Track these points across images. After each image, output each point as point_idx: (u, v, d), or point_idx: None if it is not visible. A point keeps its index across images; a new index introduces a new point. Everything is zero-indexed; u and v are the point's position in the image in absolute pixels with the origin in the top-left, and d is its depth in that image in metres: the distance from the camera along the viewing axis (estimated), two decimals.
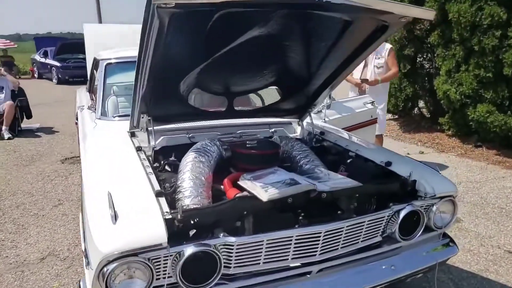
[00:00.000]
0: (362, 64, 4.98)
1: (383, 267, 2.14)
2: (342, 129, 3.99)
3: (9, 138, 7.71)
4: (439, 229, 2.34)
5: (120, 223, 1.70)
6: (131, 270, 1.65)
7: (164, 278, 1.72)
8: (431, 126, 7.83)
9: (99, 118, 3.22)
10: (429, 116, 8.26)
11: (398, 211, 2.13)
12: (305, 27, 2.35)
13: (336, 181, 2.10)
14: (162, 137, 2.86)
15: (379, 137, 5.23)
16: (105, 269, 1.60)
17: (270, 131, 3.16)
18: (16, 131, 8.14)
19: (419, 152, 6.64)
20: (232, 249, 1.79)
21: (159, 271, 1.71)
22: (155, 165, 2.55)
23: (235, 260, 1.83)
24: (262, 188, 1.92)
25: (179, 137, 2.88)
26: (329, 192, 1.96)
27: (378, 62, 5.08)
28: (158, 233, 1.66)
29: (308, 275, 1.99)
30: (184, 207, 1.93)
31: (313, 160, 2.61)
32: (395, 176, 2.36)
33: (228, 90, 2.82)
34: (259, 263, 1.88)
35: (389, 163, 2.46)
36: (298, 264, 1.96)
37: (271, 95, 3.17)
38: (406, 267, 2.19)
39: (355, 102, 4.56)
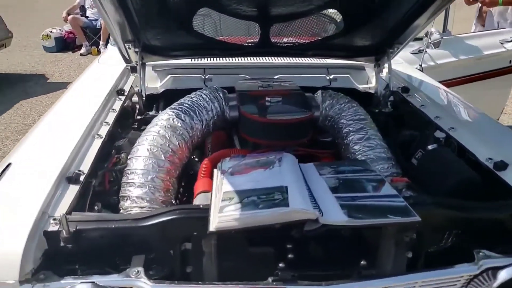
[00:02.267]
0: None
1: None
2: (458, 79, 2.78)
3: None
4: None
5: None
6: None
7: None
8: None
9: (113, 44, 2.54)
10: None
11: (494, 270, 1.10)
12: None
13: (375, 203, 1.12)
14: (169, 76, 2.11)
15: None
16: None
17: (328, 78, 2.17)
18: None
19: None
20: None
21: None
22: (140, 117, 1.83)
23: None
24: (222, 201, 1.06)
25: (191, 78, 2.09)
26: (345, 228, 1.02)
27: None
28: (8, 261, 0.96)
29: None
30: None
31: (369, 137, 1.61)
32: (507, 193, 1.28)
33: (259, 12, 1.85)
34: None
35: (503, 165, 1.35)
36: None
37: (333, 21, 2.10)
38: None
39: (486, 39, 3.10)
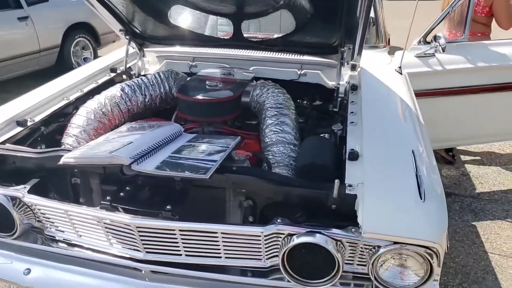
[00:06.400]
0: None
1: None
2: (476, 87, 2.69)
3: None
4: None
5: None
6: None
7: None
8: None
9: None
10: None
11: (292, 235, 1.27)
12: None
13: (189, 163, 1.37)
14: (165, 61, 2.54)
15: None
16: None
17: (298, 72, 2.35)
18: None
19: None
20: (32, 206, 1.47)
21: None
22: None
23: (47, 221, 1.51)
24: (84, 146, 1.45)
25: (181, 64, 2.49)
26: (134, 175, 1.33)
27: None
28: None
29: (143, 272, 1.47)
30: None
31: (278, 123, 1.80)
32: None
33: (228, 9, 2.15)
34: (76, 235, 1.50)
35: (354, 156, 1.45)
36: (126, 254, 1.46)
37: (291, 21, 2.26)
38: None
39: None
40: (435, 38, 2.63)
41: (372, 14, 2.77)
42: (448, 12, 2.66)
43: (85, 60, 6.28)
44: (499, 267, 2.47)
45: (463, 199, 3.13)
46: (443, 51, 2.60)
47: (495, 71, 2.76)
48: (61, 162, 1.37)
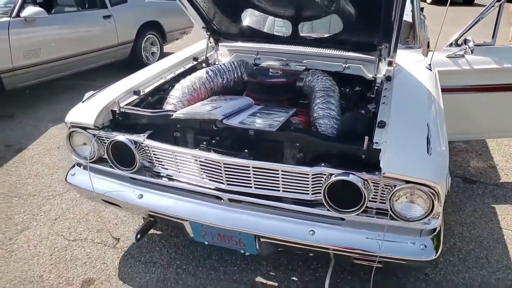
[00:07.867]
0: None
1: (300, 226, 1.92)
2: (492, 86, 3.09)
3: None
4: (405, 221, 1.81)
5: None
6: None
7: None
8: None
9: None
10: None
11: (330, 175, 1.80)
12: None
13: (261, 122, 1.94)
14: (234, 54, 3.13)
15: None
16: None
17: (343, 66, 2.86)
18: None
19: None
20: (147, 149, 2.09)
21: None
22: None
23: (156, 160, 2.13)
24: (188, 107, 2.06)
25: (247, 57, 3.06)
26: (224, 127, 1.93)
27: None
28: (91, 117, 2.15)
29: (222, 200, 2.05)
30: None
31: (324, 102, 2.32)
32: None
33: (289, 13, 2.72)
34: (176, 172, 2.10)
35: (382, 124, 1.96)
36: (212, 186, 2.05)
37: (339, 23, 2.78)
38: (328, 240, 1.88)
39: None
40: (465, 41, 3.05)
41: (410, 19, 3.22)
42: (478, 19, 3.06)
43: (153, 54, 7.08)
44: (511, 240, 2.86)
45: (486, 186, 3.50)
46: (472, 52, 3.01)
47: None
48: (173, 116, 1.99)
